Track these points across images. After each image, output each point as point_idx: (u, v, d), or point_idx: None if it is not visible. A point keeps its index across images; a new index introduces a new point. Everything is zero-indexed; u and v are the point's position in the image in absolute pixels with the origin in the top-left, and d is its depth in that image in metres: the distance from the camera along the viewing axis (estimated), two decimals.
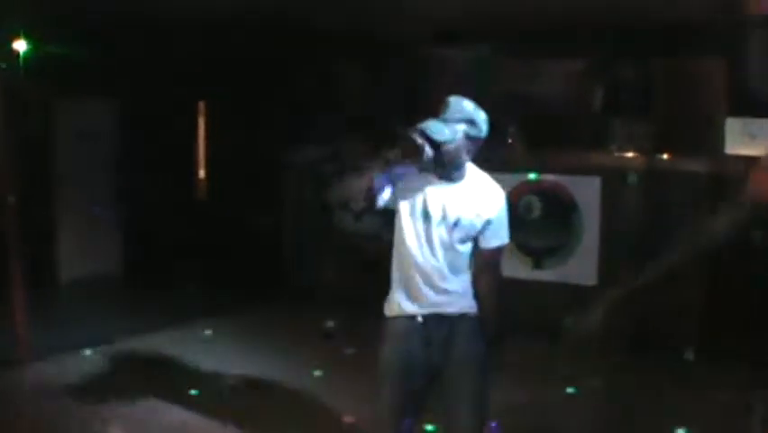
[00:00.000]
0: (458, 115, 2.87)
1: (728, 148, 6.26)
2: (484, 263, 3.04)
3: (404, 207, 2.99)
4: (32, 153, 7.17)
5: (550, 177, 6.82)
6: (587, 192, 6.63)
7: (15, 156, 6.21)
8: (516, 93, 7.65)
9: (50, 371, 5.48)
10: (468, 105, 2.91)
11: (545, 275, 6.79)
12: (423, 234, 2.96)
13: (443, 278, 2.98)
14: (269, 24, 7.09)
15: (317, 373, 5.62)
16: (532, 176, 6.91)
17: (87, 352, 5.96)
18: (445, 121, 2.86)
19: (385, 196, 2.95)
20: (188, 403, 4.95)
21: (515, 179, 6.81)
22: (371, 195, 2.92)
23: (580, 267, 6.60)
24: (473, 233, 2.98)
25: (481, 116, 2.93)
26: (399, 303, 3.03)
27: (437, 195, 2.96)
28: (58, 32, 6.79)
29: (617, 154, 6.69)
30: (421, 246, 2.96)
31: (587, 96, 7.54)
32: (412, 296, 3.00)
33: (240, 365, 5.76)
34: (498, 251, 3.06)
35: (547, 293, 6.66)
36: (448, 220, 2.94)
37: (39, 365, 5.58)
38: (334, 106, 8.20)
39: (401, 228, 3.00)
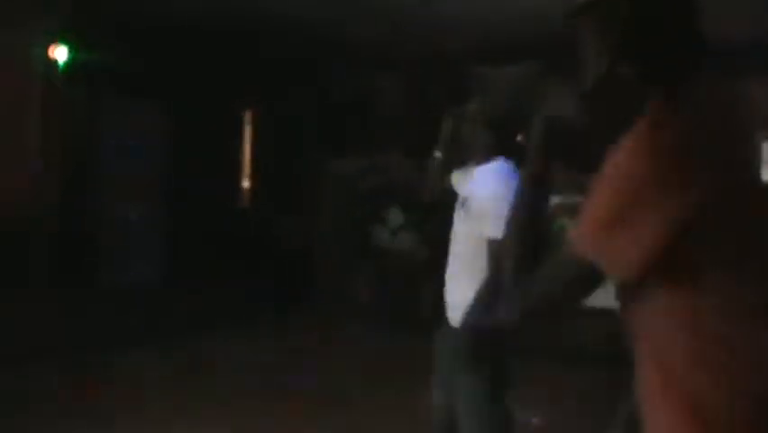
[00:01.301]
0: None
1: (766, 174, 6.19)
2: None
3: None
4: (78, 157, 7.28)
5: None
6: None
7: (61, 159, 6.35)
8: (559, 113, 7.70)
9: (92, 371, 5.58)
10: None
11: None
12: (452, 253, 3.07)
13: (457, 290, 2.99)
14: (312, 34, 7.19)
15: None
16: None
17: (132, 354, 6.07)
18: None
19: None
20: (230, 408, 5.04)
21: (551, 200, 6.83)
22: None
23: (610, 293, 6.56)
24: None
25: None
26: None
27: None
28: (103, 36, 6.94)
29: None
30: (450, 262, 3.07)
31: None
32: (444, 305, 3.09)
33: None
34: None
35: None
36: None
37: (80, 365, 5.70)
38: (374, 120, 8.27)
39: None
